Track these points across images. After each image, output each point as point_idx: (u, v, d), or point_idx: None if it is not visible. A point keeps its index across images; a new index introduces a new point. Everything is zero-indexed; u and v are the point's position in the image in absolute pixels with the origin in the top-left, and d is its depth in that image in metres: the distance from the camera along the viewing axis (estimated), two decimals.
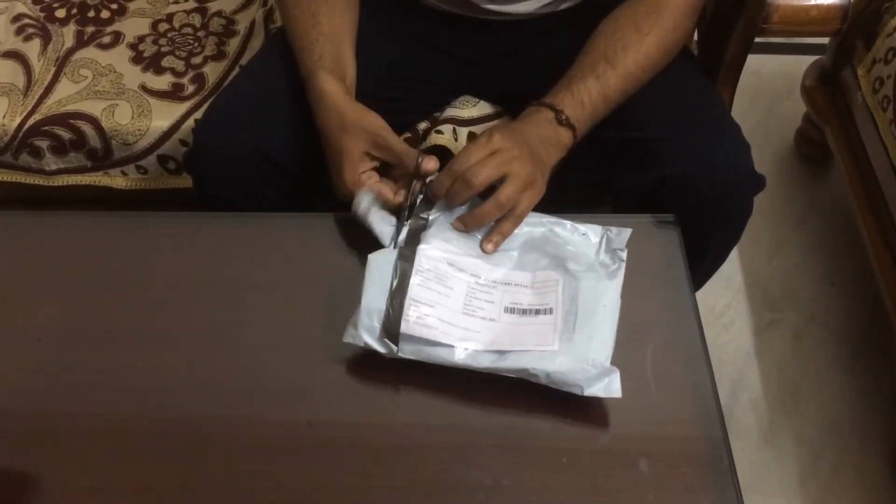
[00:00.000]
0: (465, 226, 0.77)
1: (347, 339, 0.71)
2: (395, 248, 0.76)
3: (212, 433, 0.70)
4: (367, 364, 0.72)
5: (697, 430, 0.70)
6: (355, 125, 0.82)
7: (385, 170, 0.84)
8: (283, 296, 0.79)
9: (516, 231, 0.78)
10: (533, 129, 0.82)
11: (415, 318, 0.70)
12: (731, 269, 1.46)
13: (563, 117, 0.83)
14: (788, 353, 1.37)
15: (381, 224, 0.78)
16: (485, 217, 0.76)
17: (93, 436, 0.70)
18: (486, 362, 0.70)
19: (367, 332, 0.70)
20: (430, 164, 0.78)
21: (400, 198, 0.79)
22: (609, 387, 0.68)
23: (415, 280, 0.72)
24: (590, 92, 0.85)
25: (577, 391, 0.68)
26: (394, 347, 0.70)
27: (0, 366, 0.74)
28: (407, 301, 0.71)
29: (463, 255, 0.76)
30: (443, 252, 0.75)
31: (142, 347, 0.75)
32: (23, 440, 0.70)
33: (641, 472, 0.66)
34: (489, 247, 0.77)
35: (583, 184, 1.03)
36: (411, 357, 0.71)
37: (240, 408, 0.71)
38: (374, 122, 0.82)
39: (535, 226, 0.79)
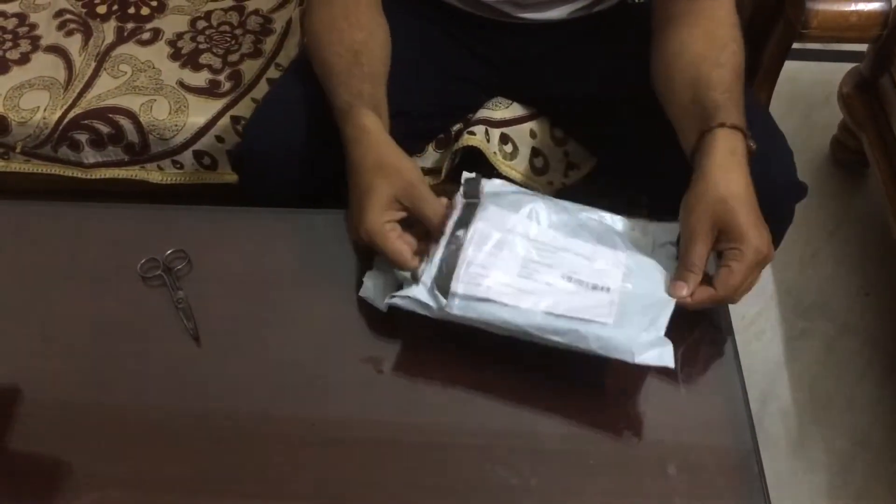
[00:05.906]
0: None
1: (395, 301, 0.70)
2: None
3: (245, 426, 0.70)
4: (396, 362, 0.73)
5: (727, 438, 0.69)
6: (393, 167, 0.77)
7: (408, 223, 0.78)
8: (318, 292, 0.79)
9: (580, 216, 0.77)
10: (746, 181, 0.76)
11: (468, 277, 0.69)
12: (764, 277, 1.42)
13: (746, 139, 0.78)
14: (820, 363, 1.35)
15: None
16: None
17: (127, 426, 0.71)
18: (536, 319, 0.68)
19: (415, 288, 0.68)
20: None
21: (415, 262, 0.73)
22: (661, 356, 0.66)
23: (469, 244, 0.71)
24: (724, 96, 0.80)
25: (627, 358, 0.66)
26: (443, 301, 0.68)
27: (36, 355, 0.76)
28: (461, 259, 0.70)
29: (521, 223, 0.74)
30: (501, 220, 0.73)
31: (177, 340, 0.76)
32: (60, 430, 0.71)
33: (669, 477, 0.66)
34: (684, 292, 0.72)
35: (622, 187, 1.02)
36: (459, 313, 0.69)
37: (272, 402, 0.72)
38: (412, 168, 0.78)
39: (594, 218, 0.78)
